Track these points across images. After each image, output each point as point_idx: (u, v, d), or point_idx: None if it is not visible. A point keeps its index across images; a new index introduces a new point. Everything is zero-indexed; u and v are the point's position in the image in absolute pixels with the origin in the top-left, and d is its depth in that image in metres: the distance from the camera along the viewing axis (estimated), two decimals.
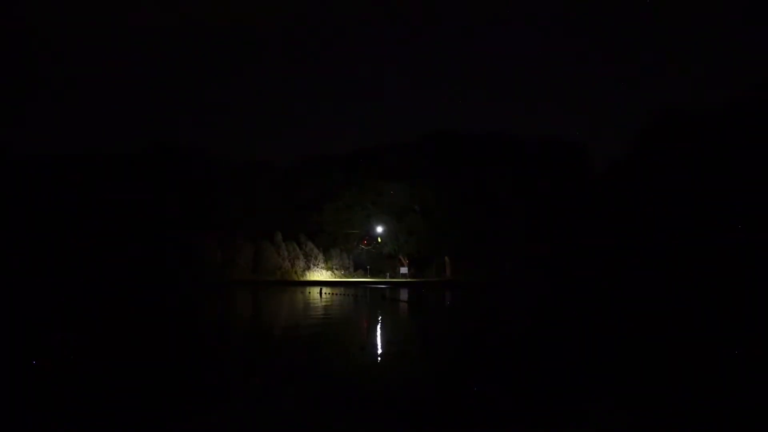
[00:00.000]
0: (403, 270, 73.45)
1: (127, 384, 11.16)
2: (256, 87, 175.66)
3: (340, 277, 72.01)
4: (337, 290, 49.91)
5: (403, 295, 45.27)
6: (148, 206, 73.66)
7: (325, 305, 32.53)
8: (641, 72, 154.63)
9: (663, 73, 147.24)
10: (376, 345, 16.73)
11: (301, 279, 71.14)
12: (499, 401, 10.05)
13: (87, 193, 72.64)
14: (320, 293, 44.58)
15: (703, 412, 9.48)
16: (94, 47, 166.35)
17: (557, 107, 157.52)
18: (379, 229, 75.92)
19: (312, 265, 73.85)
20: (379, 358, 14.42)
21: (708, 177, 54.57)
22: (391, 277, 71.50)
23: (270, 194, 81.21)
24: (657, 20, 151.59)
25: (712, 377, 11.99)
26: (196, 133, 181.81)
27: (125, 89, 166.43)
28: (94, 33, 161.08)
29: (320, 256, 74.51)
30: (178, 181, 77.40)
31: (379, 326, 22.02)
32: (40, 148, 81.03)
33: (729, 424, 8.79)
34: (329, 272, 73.83)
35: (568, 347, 16.43)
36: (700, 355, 14.90)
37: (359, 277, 71.74)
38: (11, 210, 68.44)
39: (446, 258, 72.01)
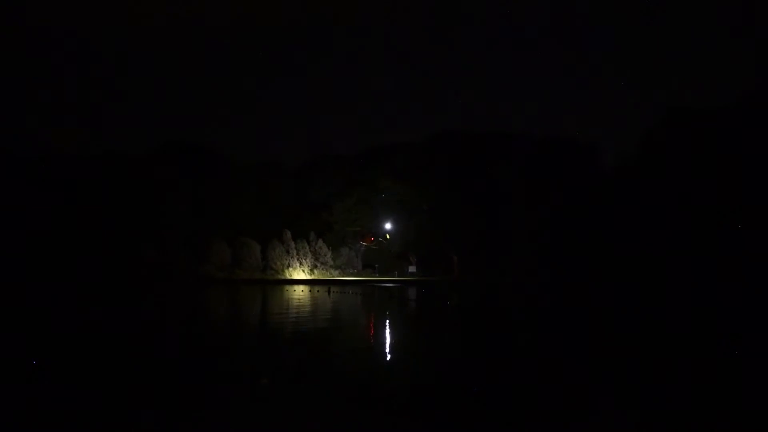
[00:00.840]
0: (412, 269, 73.61)
1: (136, 384, 11.35)
2: (265, 87, 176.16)
3: (349, 276, 72.22)
4: (345, 289, 50.17)
5: (411, 294, 45.47)
6: (158, 205, 74.16)
7: (334, 304, 32.76)
8: (649, 70, 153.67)
9: (671, 70, 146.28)
10: (383, 345, 16.92)
11: (310, 277, 71.42)
12: (497, 402, 10.22)
13: (96, 193, 73.18)
14: (329, 292, 44.85)
15: (701, 413, 9.60)
16: (102, 48, 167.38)
17: (564, 106, 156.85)
18: (388, 228, 76.12)
19: (320, 264, 74.10)
20: (387, 358, 14.61)
21: (717, 175, 54.32)
22: (399, 275, 71.64)
23: (280, 193, 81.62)
24: (665, 17, 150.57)
25: (712, 378, 12.08)
26: (206, 133, 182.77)
27: (135, 89, 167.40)
28: (104, 32, 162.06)
29: (329, 255, 74.74)
30: (188, 180, 77.90)
31: (386, 326, 22.21)
32: (50, 149, 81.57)
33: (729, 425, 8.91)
34: (338, 271, 74.06)
35: (567, 348, 16.53)
36: (701, 355, 14.96)
37: (368, 276, 71.93)
38: (20, 209, 68.97)
39: (454, 257, 72.07)
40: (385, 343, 17.26)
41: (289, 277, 71.09)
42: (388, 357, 14.89)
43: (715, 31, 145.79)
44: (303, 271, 73.22)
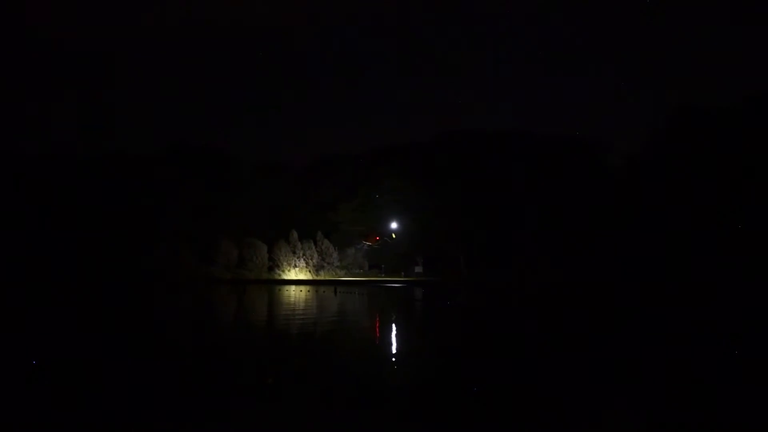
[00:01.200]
0: (418, 269, 73.63)
1: (145, 384, 11.46)
2: (272, 87, 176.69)
3: (355, 276, 72.34)
4: (351, 289, 50.39)
5: (416, 294, 45.65)
6: (164, 206, 74.44)
7: (340, 305, 32.95)
8: (654, 69, 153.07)
9: (679, 69, 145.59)
10: (380, 345, 17.09)
11: (317, 278, 71.60)
12: (495, 402, 10.36)
13: (105, 193, 73.59)
14: (335, 292, 45.07)
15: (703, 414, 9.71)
16: (106, 48, 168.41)
17: (571, 105, 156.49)
18: (394, 227, 76.27)
19: (327, 264, 74.28)
20: (385, 357, 14.76)
21: (724, 174, 54.16)
22: (405, 276, 71.66)
23: (286, 193, 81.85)
24: (668, 16, 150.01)
25: (712, 378, 12.14)
26: (212, 134, 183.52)
27: (143, 90, 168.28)
28: (112, 33, 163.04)
29: (335, 255, 74.91)
30: (195, 181, 78.26)
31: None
32: (58, 149, 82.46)
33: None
34: (344, 271, 74.18)
35: (564, 348, 16.62)
36: (701, 355, 14.99)
37: (374, 276, 72.00)
38: (26, 209, 69.34)
39: (461, 257, 72.08)
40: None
41: (295, 278, 71.34)
42: (386, 356, 15.04)
43: (722, 28, 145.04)
44: (309, 271, 73.42)
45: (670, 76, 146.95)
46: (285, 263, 72.84)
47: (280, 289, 52.16)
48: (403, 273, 72.50)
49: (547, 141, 74.69)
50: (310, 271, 73.35)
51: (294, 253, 73.32)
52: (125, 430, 8.57)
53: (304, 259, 73.56)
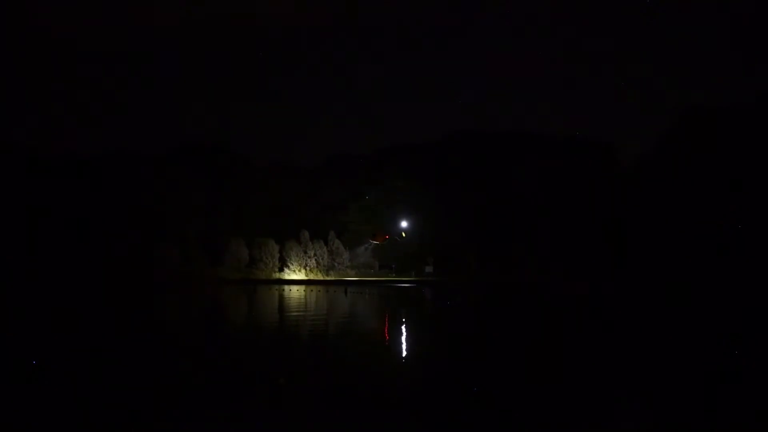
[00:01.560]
0: (428, 269, 73.70)
1: (152, 384, 11.70)
2: (281, 88, 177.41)
3: (366, 276, 72.43)
4: (361, 289, 50.63)
5: (426, 294, 45.99)
6: (174, 205, 74.74)
7: (350, 306, 33.29)
8: (656, 69, 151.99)
9: (687, 70, 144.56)
10: (399, 346, 17.44)
11: (327, 278, 71.79)
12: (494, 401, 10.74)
13: (114, 193, 74.09)
14: (346, 292, 45.33)
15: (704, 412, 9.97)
16: (121, 49, 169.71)
17: (579, 105, 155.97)
18: (404, 226, 76.52)
19: (338, 264, 74.41)
20: (403, 360, 15.12)
21: (735, 173, 54.06)
22: (416, 276, 71.70)
23: (297, 194, 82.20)
24: (682, 17, 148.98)
25: (713, 377, 12.35)
26: (222, 135, 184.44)
27: (152, 91, 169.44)
28: (123, 34, 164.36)
29: (346, 255, 75.05)
30: (204, 181, 78.73)
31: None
32: (68, 149, 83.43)
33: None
34: (354, 271, 74.28)
35: (563, 348, 16.90)
36: (701, 354, 15.17)
37: (384, 276, 72.08)
38: (38, 208, 69.93)
39: (470, 257, 72.19)
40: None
41: (306, 278, 71.65)
42: (409, 358, 15.42)
43: (723, 28, 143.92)
44: (320, 271, 73.64)
45: (669, 76, 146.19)
46: (296, 263, 73.00)
47: (290, 290, 52.36)
48: (413, 273, 72.52)
49: (556, 142, 74.78)
50: (320, 271, 73.51)
51: (305, 252, 73.48)
52: (126, 431, 8.62)
53: (315, 259, 73.73)
